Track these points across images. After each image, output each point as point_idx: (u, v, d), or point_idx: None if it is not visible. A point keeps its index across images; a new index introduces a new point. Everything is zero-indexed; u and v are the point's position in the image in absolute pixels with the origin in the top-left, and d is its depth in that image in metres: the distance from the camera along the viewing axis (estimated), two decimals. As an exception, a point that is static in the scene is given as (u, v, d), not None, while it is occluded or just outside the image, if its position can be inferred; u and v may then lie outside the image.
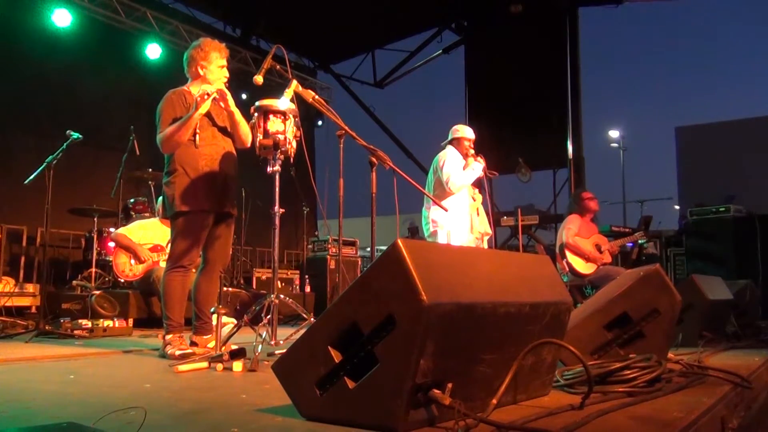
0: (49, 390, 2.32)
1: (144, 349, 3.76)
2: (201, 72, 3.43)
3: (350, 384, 1.61)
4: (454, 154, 4.94)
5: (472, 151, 4.97)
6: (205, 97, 3.21)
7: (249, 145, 3.51)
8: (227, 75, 3.51)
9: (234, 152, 3.52)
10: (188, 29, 9.37)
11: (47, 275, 5.29)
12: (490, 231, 5.23)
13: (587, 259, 5.73)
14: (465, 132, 5.05)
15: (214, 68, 3.44)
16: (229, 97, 3.39)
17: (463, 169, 4.88)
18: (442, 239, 4.76)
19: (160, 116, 3.35)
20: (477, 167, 4.89)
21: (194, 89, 3.41)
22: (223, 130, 3.47)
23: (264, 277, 7.62)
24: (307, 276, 7.90)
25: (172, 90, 3.44)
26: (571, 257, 5.72)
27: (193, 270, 3.48)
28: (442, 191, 4.83)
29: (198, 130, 3.31)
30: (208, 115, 3.38)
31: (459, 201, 4.89)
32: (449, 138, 5.08)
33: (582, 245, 5.72)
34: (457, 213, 4.85)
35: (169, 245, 3.42)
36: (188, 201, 3.29)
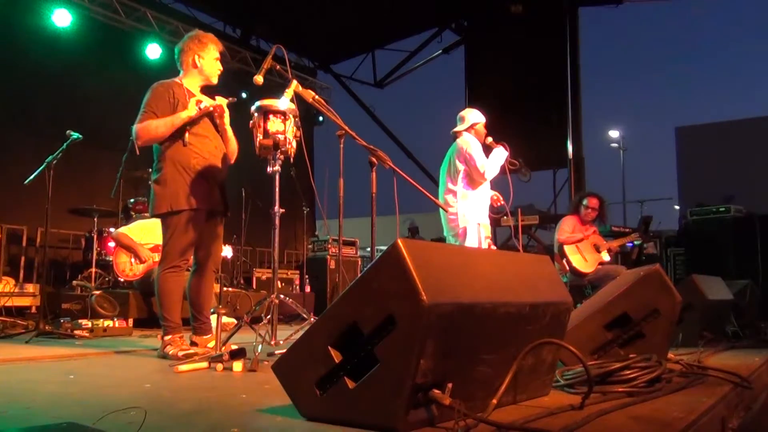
0: (49, 390, 2.31)
1: (144, 349, 3.76)
2: (198, 63, 3.42)
3: (350, 384, 1.61)
4: (475, 141, 4.71)
5: (490, 138, 4.77)
6: (200, 107, 3.21)
7: (233, 161, 3.56)
8: (221, 68, 3.51)
9: (225, 151, 3.49)
10: (188, 29, 9.23)
11: (47, 275, 5.30)
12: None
13: (582, 247, 5.71)
14: (478, 117, 4.82)
15: (210, 60, 3.44)
16: (226, 115, 3.40)
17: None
18: (472, 234, 4.57)
19: (143, 106, 3.32)
20: (502, 153, 4.71)
21: (187, 82, 3.39)
22: (215, 127, 3.44)
23: (264, 277, 7.62)
24: (307, 276, 7.90)
25: (159, 82, 3.40)
26: (570, 254, 5.70)
27: (187, 270, 3.42)
28: (470, 181, 4.65)
29: (188, 127, 3.28)
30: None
31: (483, 190, 4.74)
32: (466, 124, 4.80)
33: (575, 238, 5.72)
34: (483, 203, 4.72)
35: (162, 246, 3.34)
36: (180, 199, 3.23)
